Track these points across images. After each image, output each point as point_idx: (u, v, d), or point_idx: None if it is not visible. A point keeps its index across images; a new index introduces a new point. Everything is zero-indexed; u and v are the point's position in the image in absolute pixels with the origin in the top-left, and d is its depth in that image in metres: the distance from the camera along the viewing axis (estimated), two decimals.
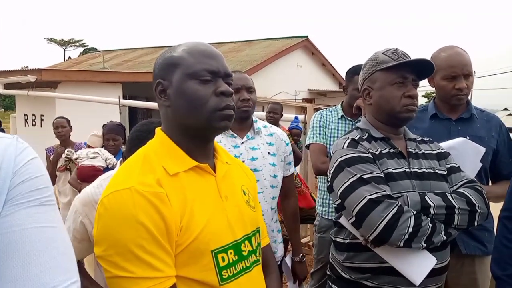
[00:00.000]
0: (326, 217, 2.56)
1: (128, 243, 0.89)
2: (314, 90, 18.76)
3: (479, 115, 2.04)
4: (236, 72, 2.09)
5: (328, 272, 1.67)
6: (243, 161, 1.99)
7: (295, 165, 4.35)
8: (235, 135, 2.05)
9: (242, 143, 2.03)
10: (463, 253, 1.93)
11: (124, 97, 9.47)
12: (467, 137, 1.91)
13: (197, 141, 1.06)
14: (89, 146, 4.16)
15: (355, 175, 1.41)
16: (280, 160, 2.10)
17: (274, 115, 4.44)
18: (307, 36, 18.78)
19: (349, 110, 2.52)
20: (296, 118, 4.74)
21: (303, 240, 4.88)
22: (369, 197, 1.35)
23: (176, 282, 0.95)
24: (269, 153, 2.06)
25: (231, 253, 1.03)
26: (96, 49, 42.06)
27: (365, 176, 1.40)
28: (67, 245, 0.71)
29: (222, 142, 2.03)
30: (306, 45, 18.78)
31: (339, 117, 2.56)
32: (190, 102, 1.01)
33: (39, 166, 0.72)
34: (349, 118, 2.54)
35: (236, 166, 1.23)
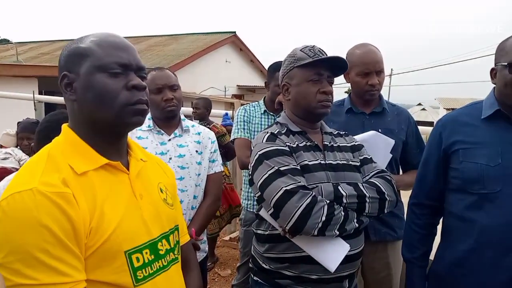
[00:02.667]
0: (251, 210, 2.60)
1: (30, 248, 0.83)
2: (243, 86, 18.91)
3: (390, 109, 2.18)
4: (157, 69, 2.03)
5: (250, 265, 1.70)
6: (171, 158, 1.96)
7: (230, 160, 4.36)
8: (162, 132, 2.02)
9: (169, 140, 2.01)
10: (372, 240, 2.05)
11: (40, 93, 8.87)
12: (379, 130, 2.03)
13: (107, 138, 1.02)
14: (1, 146, 3.82)
15: (273, 167, 1.45)
16: (207, 159, 2.09)
17: (197, 110, 4.41)
18: (235, 32, 18.85)
19: (271, 105, 2.59)
20: (226, 114, 4.75)
21: (232, 235, 4.91)
22: (285, 188, 1.39)
23: (87, 286, 0.90)
24: (196, 151, 2.05)
25: (146, 252, 1.01)
26: (8, 40, 38.70)
27: (282, 168, 1.44)
28: None
29: (149, 138, 1.99)
30: (234, 41, 18.85)
31: (262, 112, 2.61)
32: (98, 96, 0.96)
33: None
34: (271, 113, 2.60)
35: (152, 163, 1.20)
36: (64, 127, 1.03)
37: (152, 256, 1.02)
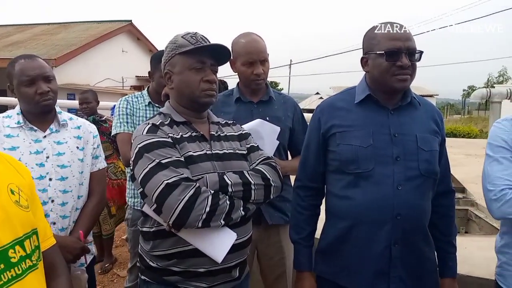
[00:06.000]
0: (138, 208, 2.46)
1: None
2: (142, 77, 18.18)
3: (277, 97, 2.23)
4: (26, 57, 1.78)
5: (138, 264, 1.62)
6: (48, 157, 1.77)
7: None
8: (35, 128, 1.80)
9: (45, 136, 1.80)
10: (269, 224, 2.10)
11: None
12: (267, 118, 2.07)
13: None
14: None
15: (154, 160, 1.38)
16: (90, 155, 1.93)
17: (88, 104, 4.02)
18: (130, 21, 18.02)
19: (156, 97, 2.46)
20: (114, 106, 4.45)
21: (124, 237, 4.66)
22: (166, 181, 1.34)
23: None
24: (77, 147, 1.87)
25: None
26: None
27: (163, 161, 1.38)
28: None
29: (21, 136, 1.76)
30: (131, 30, 18.05)
31: (147, 103, 2.48)
32: None
33: None
34: (156, 105, 2.48)
35: (2, 162, 1.05)
36: None
37: (2, 266, 0.90)
